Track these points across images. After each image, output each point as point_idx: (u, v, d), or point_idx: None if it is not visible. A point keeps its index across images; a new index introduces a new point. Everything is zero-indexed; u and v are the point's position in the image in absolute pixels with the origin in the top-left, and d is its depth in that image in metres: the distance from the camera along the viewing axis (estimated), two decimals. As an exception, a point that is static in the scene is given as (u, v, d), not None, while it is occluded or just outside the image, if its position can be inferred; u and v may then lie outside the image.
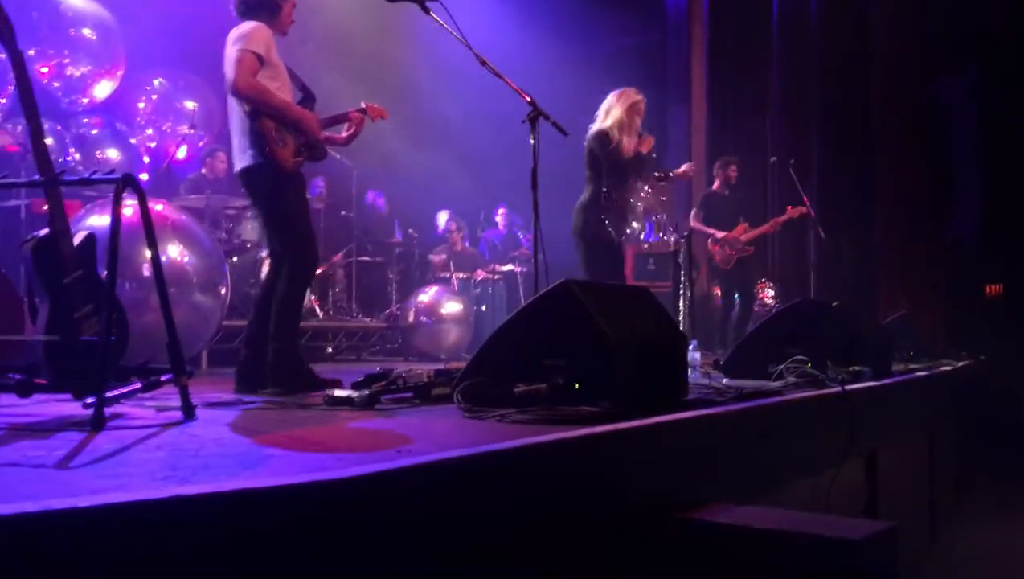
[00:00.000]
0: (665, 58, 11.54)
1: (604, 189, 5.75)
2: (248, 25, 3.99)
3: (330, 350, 8.03)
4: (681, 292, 8.53)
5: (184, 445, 2.25)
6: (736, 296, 8.18)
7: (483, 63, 4.23)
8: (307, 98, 4.25)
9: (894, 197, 10.08)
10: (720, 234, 8.18)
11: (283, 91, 4.06)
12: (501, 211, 10.46)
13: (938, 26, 9.74)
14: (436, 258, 9.59)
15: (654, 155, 6.25)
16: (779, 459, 3.34)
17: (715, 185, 8.44)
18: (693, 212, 8.54)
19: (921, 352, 6.85)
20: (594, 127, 5.89)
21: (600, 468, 2.26)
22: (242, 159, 4.04)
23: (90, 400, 2.54)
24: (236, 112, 4.03)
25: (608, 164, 5.76)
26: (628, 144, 5.81)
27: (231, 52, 3.90)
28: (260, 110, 3.90)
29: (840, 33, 10.46)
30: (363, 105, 4.55)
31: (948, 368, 6.35)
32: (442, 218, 10.15)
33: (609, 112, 5.88)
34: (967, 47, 9.50)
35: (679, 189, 10.43)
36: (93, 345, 2.68)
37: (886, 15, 10.20)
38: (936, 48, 9.78)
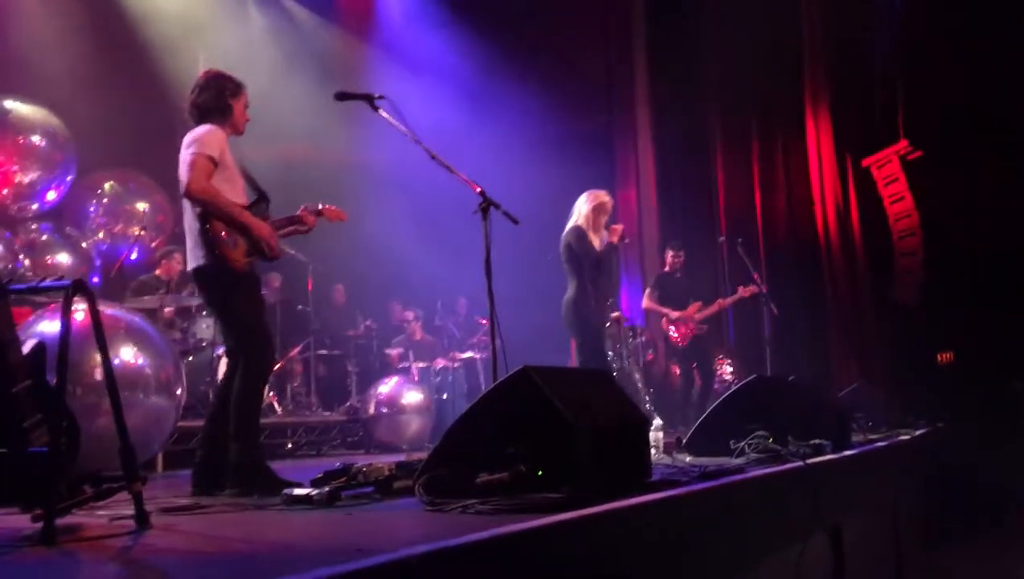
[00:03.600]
0: (612, 141, 11.80)
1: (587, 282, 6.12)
2: (202, 129, 4.02)
3: (290, 446, 7.87)
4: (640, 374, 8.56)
5: (137, 556, 2.19)
6: (694, 373, 8.24)
7: (432, 157, 4.31)
8: (261, 199, 4.26)
9: (841, 265, 10.23)
10: (675, 314, 8.27)
11: (237, 193, 4.08)
12: (462, 301, 10.48)
13: (872, 94, 10.08)
14: (393, 352, 9.58)
15: (626, 240, 6.66)
16: (747, 537, 3.32)
17: (667, 267, 8.58)
18: (647, 293, 8.65)
19: (879, 422, 6.91)
20: (569, 225, 6.29)
21: (566, 556, 2.23)
22: (194, 259, 4.04)
23: (39, 513, 2.46)
24: (189, 214, 4.04)
25: (585, 258, 6.13)
26: (594, 238, 6.21)
27: (185, 155, 3.93)
28: (210, 213, 3.92)
29: (779, 103, 10.73)
30: (321, 208, 4.57)
31: (907, 437, 6.40)
32: (398, 308, 10.19)
33: (579, 211, 6.29)
34: (900, 113, 9.82)
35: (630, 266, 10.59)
36: (42, 456, 2.61)
37: (822, 82, 10.48)
38: (872, 116, 10.08)
